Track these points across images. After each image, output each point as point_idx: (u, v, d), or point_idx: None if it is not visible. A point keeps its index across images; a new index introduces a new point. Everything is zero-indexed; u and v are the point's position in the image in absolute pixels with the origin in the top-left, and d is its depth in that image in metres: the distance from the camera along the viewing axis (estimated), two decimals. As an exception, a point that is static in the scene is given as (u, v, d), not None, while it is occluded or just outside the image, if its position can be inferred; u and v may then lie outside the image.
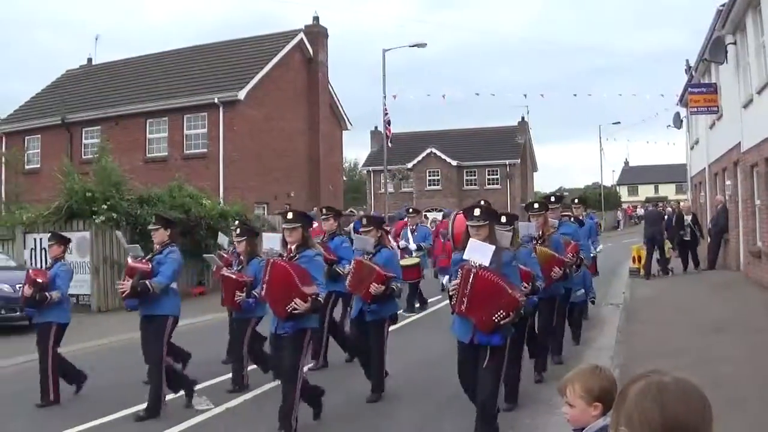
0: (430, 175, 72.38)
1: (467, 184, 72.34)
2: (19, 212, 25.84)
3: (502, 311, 8.14)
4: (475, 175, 72.57)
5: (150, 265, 10.60)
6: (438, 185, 71.53)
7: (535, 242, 11.64)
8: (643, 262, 26.11)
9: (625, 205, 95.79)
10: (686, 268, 26.33)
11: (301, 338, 9.32)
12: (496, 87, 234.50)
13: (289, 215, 9.63)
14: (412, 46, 40.63)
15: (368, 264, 11.13)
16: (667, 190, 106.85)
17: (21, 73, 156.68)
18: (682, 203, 31.11)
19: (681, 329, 15.00)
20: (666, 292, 21.74)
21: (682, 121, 38.22)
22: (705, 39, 26.45)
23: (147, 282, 10.30)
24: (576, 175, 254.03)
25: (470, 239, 8.45)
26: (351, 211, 41.89)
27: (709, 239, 26.84)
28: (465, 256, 8.35)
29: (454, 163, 71.58)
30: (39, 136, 41.08)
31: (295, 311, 8.94)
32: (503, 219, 9.71)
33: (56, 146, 38.63)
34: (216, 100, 35.44)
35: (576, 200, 18.78)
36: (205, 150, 36.18)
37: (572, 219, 15.36)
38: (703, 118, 30.35)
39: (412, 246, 21.05)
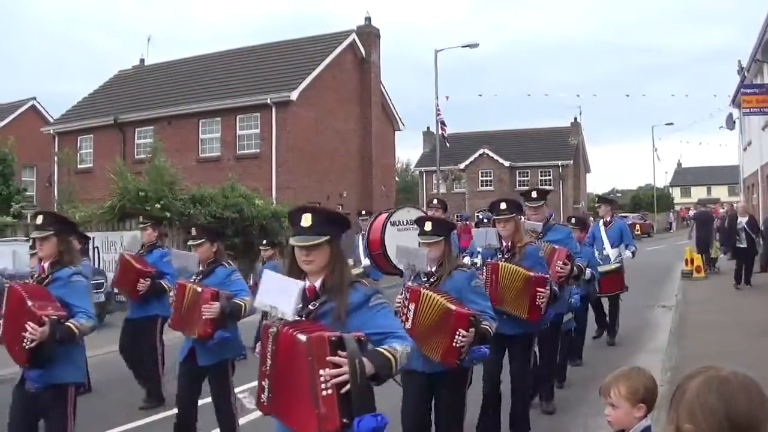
0: (482, 176, 72.02)
1: (520, 185, 71.90)
2: (71, 211, 26.06)
3: None
4: (527, 176, 72.03)
5: None
6: (490, 186, 70.88)
7: (500, 257, 8.47)
8: (695, 264, 26.00)
9: (677, 207, 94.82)
10: (739, 282, 23.12)
11: (58, 399, 6.60)
12: (548, 87, 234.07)
13: (39, 219, 6.88)
14: (464, 46, 40.25)
15: (199, 297, 7.92)
16: (720, 192, 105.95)
17: (74, 74, 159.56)
18: (736, 204, 30.65)
19: (733, 332, 14.90)
20: (718, 295, 21.54)
21: (734, 122, 37.89)
22: (757, 39, 26.22)
23: None
24: (629, 177, 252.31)
25: (265, 272, 5.29)
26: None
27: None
28: (256, 303, 4.85)
29: (506, 164, 71.14)
30: (92, 135, 41.62)
31: (33, 343, 6.15)
32: (428, 227, 6.85)
33: (109, 146, 39.09)
34: (269, 101, 35.60)
35: (598, 199, 18.38)
36: (258, 150, 36.39)
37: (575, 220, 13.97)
38: (756, 119, 30.09)
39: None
